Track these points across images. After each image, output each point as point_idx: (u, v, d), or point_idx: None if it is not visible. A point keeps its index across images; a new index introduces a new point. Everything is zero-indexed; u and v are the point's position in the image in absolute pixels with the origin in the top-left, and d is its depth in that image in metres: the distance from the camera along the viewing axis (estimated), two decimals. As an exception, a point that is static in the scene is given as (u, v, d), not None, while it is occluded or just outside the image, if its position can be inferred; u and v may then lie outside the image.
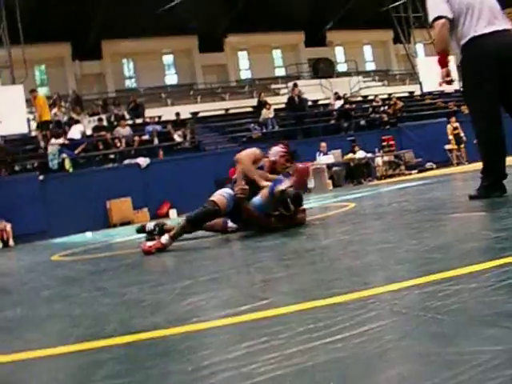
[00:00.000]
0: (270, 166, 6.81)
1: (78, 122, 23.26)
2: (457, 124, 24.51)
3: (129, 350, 2.28)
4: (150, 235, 7.20)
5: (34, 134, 22.73)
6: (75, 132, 22.27)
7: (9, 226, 18.29)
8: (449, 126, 24.49)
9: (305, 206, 6.77)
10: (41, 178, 19.98)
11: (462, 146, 24.44)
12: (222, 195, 6.33)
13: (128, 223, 19.11)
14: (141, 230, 7.58)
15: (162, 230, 7.09)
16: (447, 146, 24.54)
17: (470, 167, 19.12)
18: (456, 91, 29.62)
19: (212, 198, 6.31)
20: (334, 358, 1.72)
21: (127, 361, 2.12)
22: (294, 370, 1.66)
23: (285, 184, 6.16)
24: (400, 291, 2.45)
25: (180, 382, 1.74)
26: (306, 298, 2.58)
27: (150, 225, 7.43)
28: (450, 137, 24.32)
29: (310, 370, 1.65)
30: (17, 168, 20.95)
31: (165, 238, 6.14)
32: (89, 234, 15.44)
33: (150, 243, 6.22)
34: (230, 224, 6.89)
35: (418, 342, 1.76)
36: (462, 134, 24.30)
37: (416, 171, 23.37)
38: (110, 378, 1.90)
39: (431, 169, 23.85)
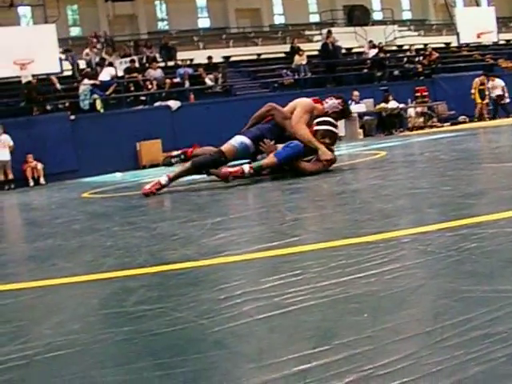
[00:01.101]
0: (321, 114, 6.74)
1: (110, 64, 23.12)
2: (486, 81, 24.01)
3: (160, 279, 2.30)
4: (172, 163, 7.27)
5: (66, 73, 22.75)
6: (105, 75, 22.14)
7: (40, 165, 18.46)
8: (476, 79, 23.92)
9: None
10: (72, 117, 20.02)
11: (486, 101, 24.01)
12: (233, 145, 6.41)
13: (157, 165, 19.10)
14: (169, 163, 7.55)
15: (185, 157, 7.13)
16: (478, 100, 24.07)
17: (504, 122, 18.86)
18: (494, 43, 29.07)
19: (222, 148, 6.41)
20: (366, 291, 1.72)
21: (158, 288, 2.13)
22: (327, 301, 1.66)
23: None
24: (433, 233, 2.43)
25: (212, 309, 1.75)
26: (338, 236, 2.58)
27: (176, 153, 7.42)
28: (473, 91, 23.79)
29: (342, 301, 1.65)
30: (48, 107, 20.99)
31: (164, 179, 6.35)
32: (118, 174, 15.49)
33: (148, 185, 6.42)
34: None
35: (452, 279, 1.75)
36: (487, 93, 23.89)
37: (449, 124, 23.05)
38: (141, 304, 1.91)
39: (464, 122, 23.52)
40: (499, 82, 23.93)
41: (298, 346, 1.36)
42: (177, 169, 6.57)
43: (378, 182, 4.77)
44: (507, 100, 23.90)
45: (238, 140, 6.42)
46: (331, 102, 6.82)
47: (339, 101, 6.87)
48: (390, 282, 1.78)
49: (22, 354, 1.55)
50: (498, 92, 23.82)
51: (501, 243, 2.09)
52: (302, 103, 6.69)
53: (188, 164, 6.47)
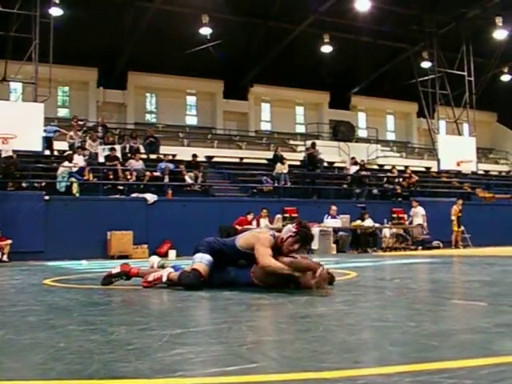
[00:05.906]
0: (278, 243, 6.26)
1: (85, 149, 23.16)
2: (461, 207, 24.29)
3: (107, 397, 2.21)
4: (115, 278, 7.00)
5: (47, 152, 22.88)
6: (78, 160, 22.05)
7: (6, 242, 18.22)
8: (454, 206, 24.21)
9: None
10: (46, 197, 19.97)
11: (461, 229, 24.24)
12: (203, 263, 6.31)
13: (126, 257, 18.90)
14: (109, 282, 6.98)
15: (128, 277, 6.96)
16: (455, 228, 24.24)
17: (476, 251, 19.03)
18: (473, 173, 29.66)
19: (197, 267, 6.28)
20: None
21: (104, 408, 2.05)
22: None
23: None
24: (391, 376, 2.38)
25: None
26: (296, 368, 2.52)
27: (116, 271, 7.02)
28: (453, 217, 24.03)
29: None
30: (24, 184, 20.93)
31: (165, 278, 6.52)
32: (84, 262, 15.26)
33: (150, 278, 6.59)
34: None
35: None
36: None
37: (422, 248, 23.25)
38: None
39: (438, 247, 23.73)
40: (421, 210, 24.12)
41: None
42: (173, 274, 6.52)
43: (344, 307, 4.72)
44: (425, 232, 23.99)
45: (206, 258, 6.33)
46: (286, 228, 6.41)
47: (294, 224, 6.38)
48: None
49: None
50: (419, 221, 23.98)
51: (459, 397, 2.05)
52: (260, 240, 6.20)
53: (176, 275, 6.43)
